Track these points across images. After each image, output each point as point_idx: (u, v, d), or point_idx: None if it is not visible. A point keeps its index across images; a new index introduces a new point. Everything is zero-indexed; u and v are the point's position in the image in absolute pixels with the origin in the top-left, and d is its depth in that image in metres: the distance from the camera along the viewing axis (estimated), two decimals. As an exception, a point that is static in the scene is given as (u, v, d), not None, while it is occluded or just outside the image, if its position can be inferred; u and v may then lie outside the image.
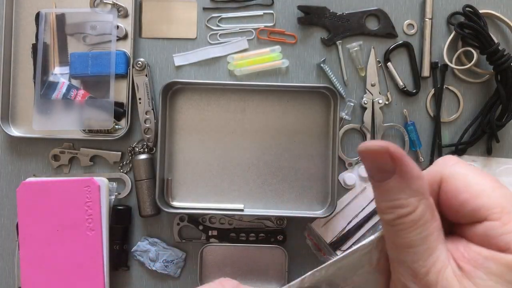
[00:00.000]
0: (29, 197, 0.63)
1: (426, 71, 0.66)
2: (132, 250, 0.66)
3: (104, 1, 0.65)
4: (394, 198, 0.26)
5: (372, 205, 0.64)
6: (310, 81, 0.67)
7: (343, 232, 0.64)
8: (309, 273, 0.29)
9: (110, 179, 0.64)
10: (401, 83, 0.66)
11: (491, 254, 0.26)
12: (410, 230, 0.26)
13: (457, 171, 0.28)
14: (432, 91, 0.67)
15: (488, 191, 0.27)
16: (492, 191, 0.27)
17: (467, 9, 0.64)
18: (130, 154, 0.66)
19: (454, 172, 0.28)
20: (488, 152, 0.66)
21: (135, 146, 0.66)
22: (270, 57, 0.67)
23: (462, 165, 0.28)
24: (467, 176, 0.27)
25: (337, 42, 0.66)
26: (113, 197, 0.65)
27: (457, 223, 0.28)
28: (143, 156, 0.65)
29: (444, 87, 0.67)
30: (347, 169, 0.66)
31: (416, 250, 0.26)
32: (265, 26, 0.67)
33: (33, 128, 0.65)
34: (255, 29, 0.67)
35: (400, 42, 0.67)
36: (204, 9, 0.67)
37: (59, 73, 0.66)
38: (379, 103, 0.66)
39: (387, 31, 0.67)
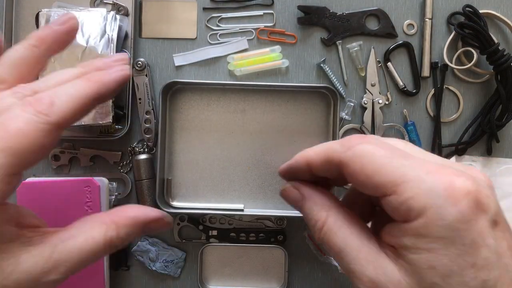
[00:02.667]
0: (29, 197, 0.63)
1: (426, 71, 0.66)
2: (132, 250, 0.66)
3: (104, 1, 0.65)
4: (312, 215, 0.32)
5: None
6: (310, 81, 0.67)
7: (343, 232, 0.64)
8: None
9: (110, 179, 0.64)
10: (401, 83, 0.66)
11: (401, 230, 0.27)
12: (334, 235, 0.30)
13: (355, 154, 0.30)
14: (432, 91, 0.67)
15: (382, 168, 0.28)
16: (384, 167, 0.28)
17: (467, 9, 0.64)
18: (130, 154, 0.66)
19: (352, 156, 0.30)
20: (488, 152, 0.66)
21: (135, 146, 0.66)
22: (270, 57, 0.67)
23: (362, 146, 0.30)
24: (362, 158, 0.29)
25: (337, 42, 0.66)
26: (113, 197, 0.65)
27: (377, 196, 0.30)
28: (143, 156, 0.65)
29: (444, 87, 0.67)
30: (347, 169, 0.66)
31: (346, 251, 0.29)
32: (265, 26, 0.67)
33: (33, 128, 0.65)
34: (255, 29, 0.67)
35: (400, 42, 0.67)
36: (204, 9, 0.67)
37: (59, 73, 0.66)
38: (379, 103, 0.66)
39: (387, 31, 0.67)
